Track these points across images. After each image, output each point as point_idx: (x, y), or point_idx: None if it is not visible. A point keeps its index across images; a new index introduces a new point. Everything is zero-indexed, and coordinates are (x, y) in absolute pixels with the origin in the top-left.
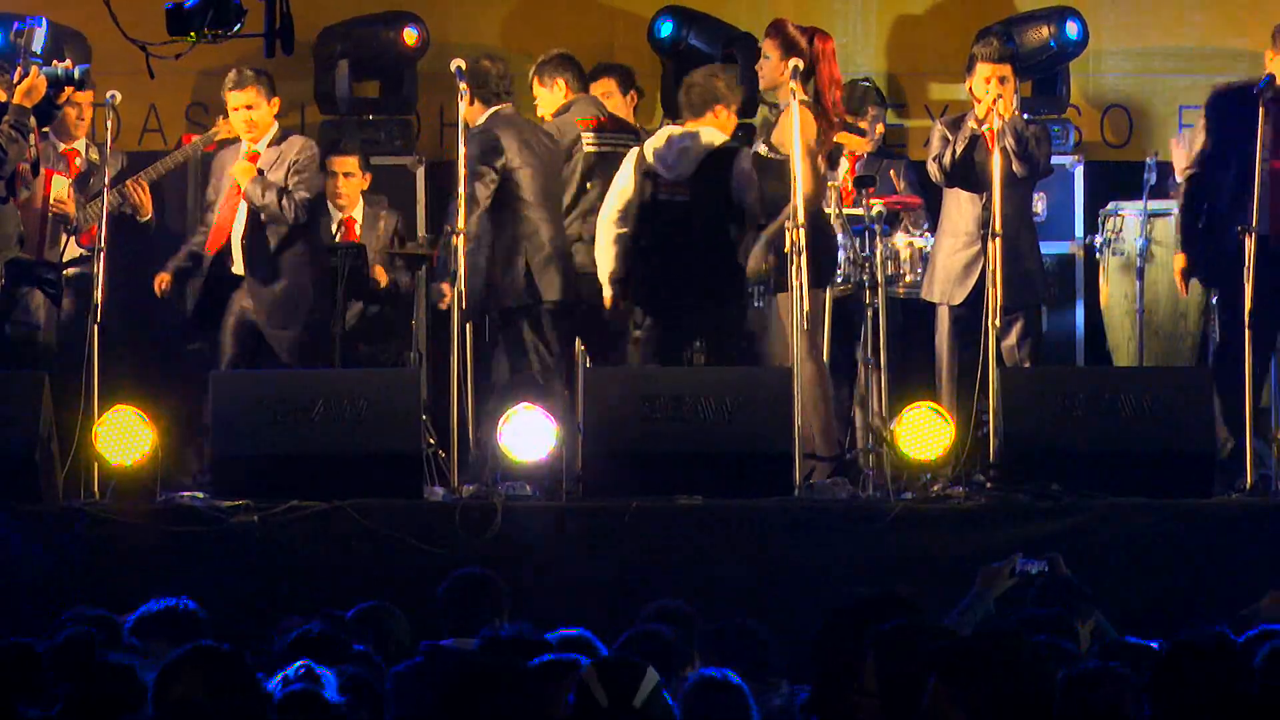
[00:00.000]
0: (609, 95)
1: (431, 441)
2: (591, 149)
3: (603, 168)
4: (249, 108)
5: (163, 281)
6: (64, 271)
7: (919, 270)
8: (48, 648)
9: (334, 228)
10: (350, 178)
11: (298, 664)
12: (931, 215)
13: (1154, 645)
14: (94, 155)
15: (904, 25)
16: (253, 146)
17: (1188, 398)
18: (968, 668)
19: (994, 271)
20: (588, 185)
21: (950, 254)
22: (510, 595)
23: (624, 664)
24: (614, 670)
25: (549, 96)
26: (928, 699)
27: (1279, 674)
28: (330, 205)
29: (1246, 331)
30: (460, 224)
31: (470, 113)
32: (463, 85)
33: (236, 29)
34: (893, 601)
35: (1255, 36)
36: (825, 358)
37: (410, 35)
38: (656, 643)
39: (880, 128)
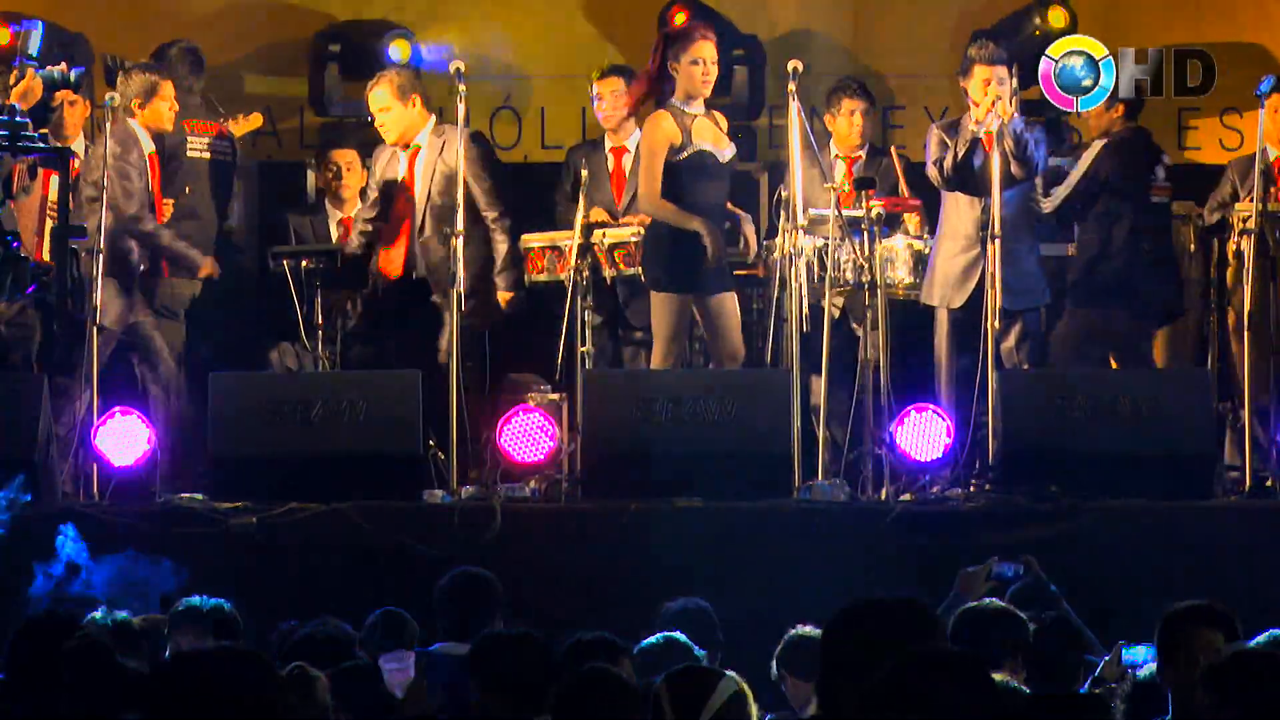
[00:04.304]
0: (617, 95)
1: (431, 444)
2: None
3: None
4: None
5: None
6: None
7: (919, 273)
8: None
9: (334, 228)
10: (351, 170)
11: (292, 665)
12: (929, 217)
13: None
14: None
15: (897, 25)
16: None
17: (1187, 399)
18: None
19: (993, 273)
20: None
21: (949, 257)
22: (508, 596)
23: (696, 674)
24: (685, 681)
25: None
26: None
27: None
28: (329, 204)
29: (1245, 332)
30: (460, 225)
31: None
32: (461, 87)
33: (29, 292)
34: (907, 606)
35: (1255, 36)
36: (825, 359)
37: (403, 48)
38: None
39: (859, 119)
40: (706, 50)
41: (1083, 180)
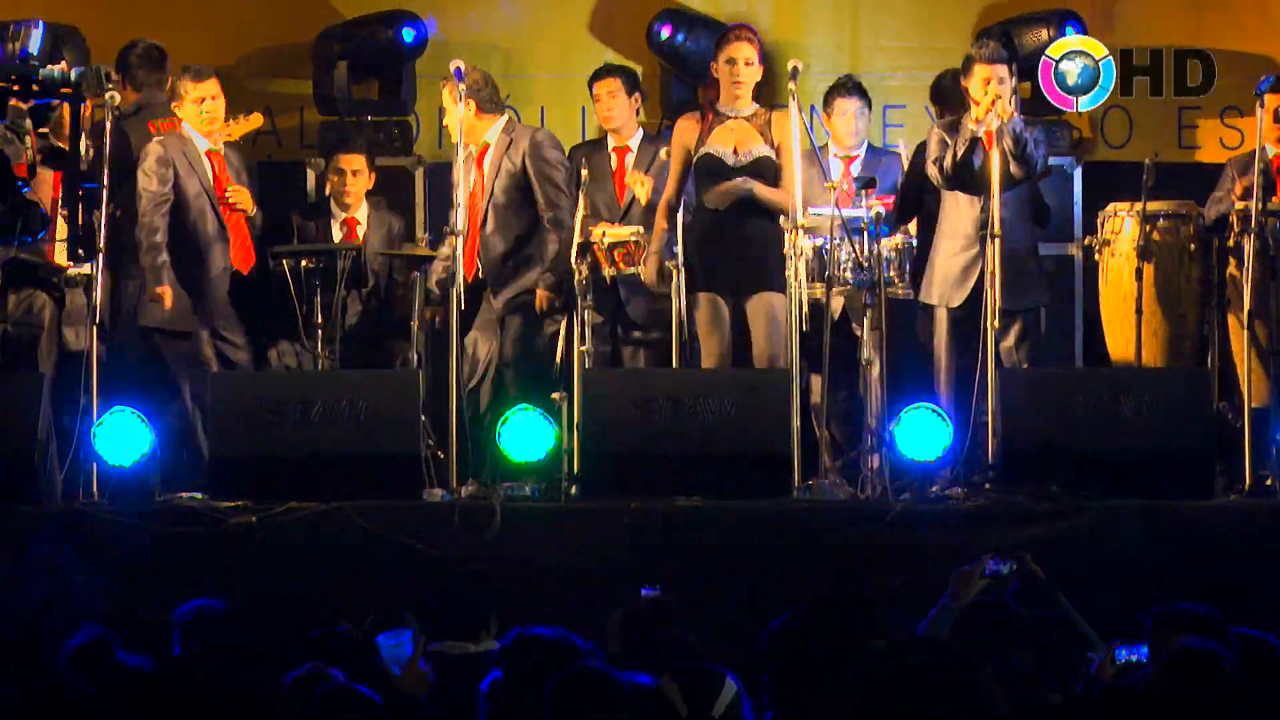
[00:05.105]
0: (614, 95)
1: (430, 443)
2: None
3: None
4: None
5: None
6: (65, 271)
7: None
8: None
9: (337, 229)
10: (358, 176)
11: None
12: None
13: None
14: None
15: (889, 26)
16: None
17: (1187, 398)
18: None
19: (992, 273)
20: None
21: (949, 256)
22: (508, 596)
23: (703, 673)
24: (693, 680)
25: None
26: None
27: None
28: (334, 205)
29: (1245, 332)
30: (460, 225)
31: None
32: (461, 85)
33: (41, 236)
34: (853, 605)
35: (1257, 37)
36: (826, 359)
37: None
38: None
39: (854, 119)
40: (739, 51)
41: (906, 175)
